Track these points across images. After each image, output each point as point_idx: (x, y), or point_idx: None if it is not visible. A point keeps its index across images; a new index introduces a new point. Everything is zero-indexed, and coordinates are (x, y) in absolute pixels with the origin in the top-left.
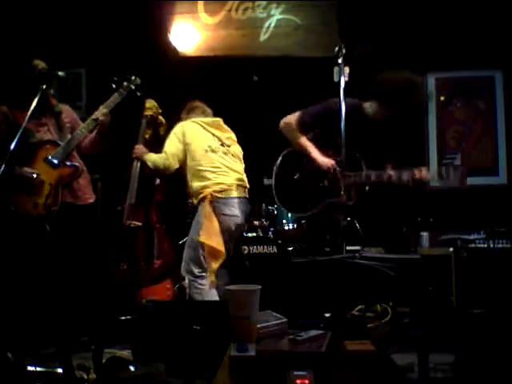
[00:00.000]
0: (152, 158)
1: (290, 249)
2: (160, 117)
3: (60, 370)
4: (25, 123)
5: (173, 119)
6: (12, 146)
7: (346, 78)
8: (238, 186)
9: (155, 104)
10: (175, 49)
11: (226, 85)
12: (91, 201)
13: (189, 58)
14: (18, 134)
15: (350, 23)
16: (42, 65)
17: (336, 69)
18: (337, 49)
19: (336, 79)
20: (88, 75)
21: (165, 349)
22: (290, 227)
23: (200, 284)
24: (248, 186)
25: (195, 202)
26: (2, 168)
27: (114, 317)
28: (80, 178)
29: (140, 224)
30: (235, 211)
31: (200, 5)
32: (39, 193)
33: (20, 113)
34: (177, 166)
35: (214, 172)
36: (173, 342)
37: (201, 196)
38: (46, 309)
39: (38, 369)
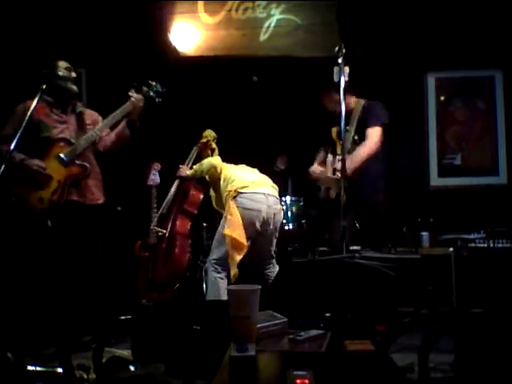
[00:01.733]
0: (195, 167)
1: (290, 249)
2: (213, 143)
3: (60, 370)
4: (27, 117)
5: (172, 119)
6: (15, 140)
7: (346, 78)
8: (264, 183)
9: (211, 133)
10: (175, 49)
11: (226, 85)
12: (100, 202)
13: (189, 57)
14: (21, 129)
15: (350, 23)
16: (65, 65)
17: (336, 69)
18: (337, 49)
19: (336, 79)
20: (88, 75)
21: (165, 349)
22: (290, 227)
23: (220, 278)
24: (276, 187)
25: (226, 208)
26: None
27: (115, 316)
28: (90, 178)
29: (164, 231)
30: (259, 205)
31: (200, 5)
32: (46, 188)
33: (41, 108)
34: (219, 165)
35: (239, 175)
36: (173, 342)
37: (227, 196)
38: (46, 308)
39: (38, 369)
